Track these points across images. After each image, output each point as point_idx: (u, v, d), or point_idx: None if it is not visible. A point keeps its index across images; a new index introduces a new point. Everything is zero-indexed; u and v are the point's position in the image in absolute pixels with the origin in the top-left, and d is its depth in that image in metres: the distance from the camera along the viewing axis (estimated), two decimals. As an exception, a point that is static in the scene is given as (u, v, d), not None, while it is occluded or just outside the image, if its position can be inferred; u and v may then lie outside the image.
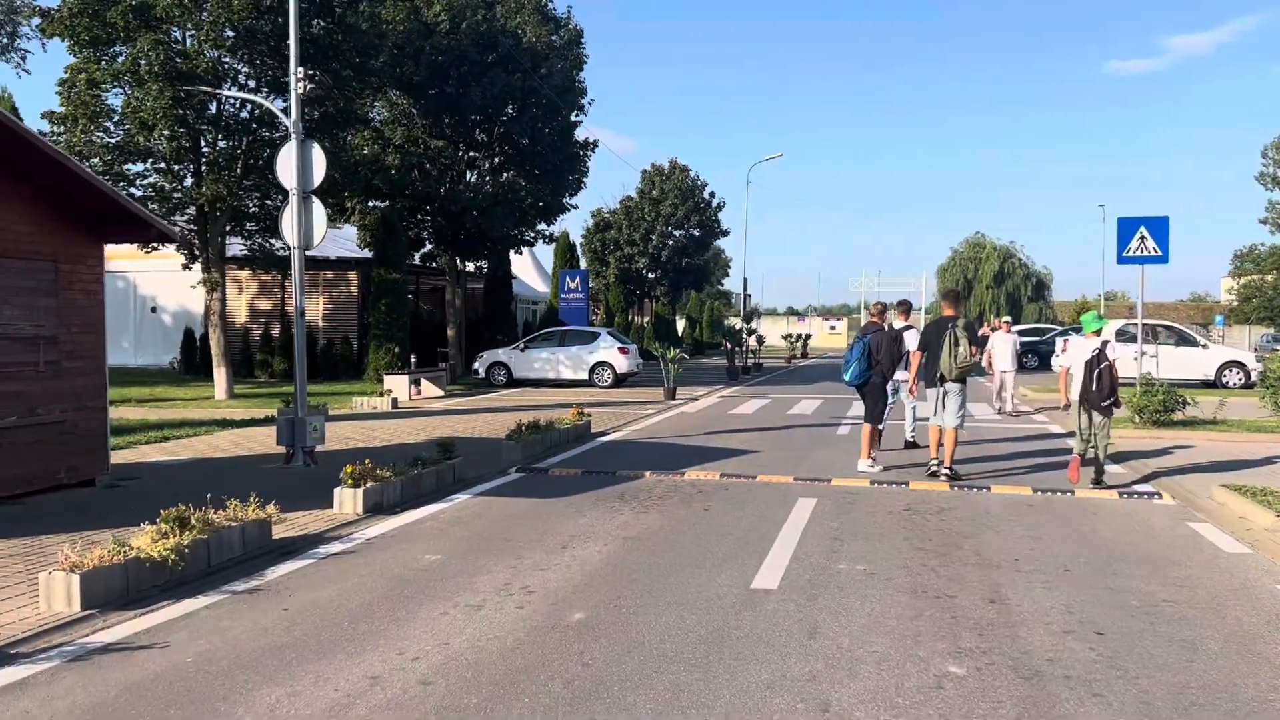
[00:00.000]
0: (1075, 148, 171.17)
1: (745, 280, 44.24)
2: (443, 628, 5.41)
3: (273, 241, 22.62)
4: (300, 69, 11.17)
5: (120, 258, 26.50)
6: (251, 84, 20.71)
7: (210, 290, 20.91)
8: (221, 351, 21.03)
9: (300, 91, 11.16)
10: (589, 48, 30.10)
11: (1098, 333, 10.15)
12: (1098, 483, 9.85)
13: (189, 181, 20.31)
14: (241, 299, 29.41)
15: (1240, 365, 23.33)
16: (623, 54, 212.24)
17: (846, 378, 11.22)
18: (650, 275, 47.81)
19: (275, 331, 28.29)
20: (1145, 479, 10.51)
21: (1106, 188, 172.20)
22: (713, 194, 48.11)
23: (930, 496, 9.57)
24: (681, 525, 8.15)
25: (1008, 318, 21.87)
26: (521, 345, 25.86)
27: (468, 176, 27.74)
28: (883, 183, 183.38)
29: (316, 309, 28.92)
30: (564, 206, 28.98)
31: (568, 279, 37.20)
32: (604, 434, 15.04)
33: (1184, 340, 24.08)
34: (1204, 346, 24.10)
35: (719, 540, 7.59)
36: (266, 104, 13.96)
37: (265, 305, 29.39)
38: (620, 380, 25.18)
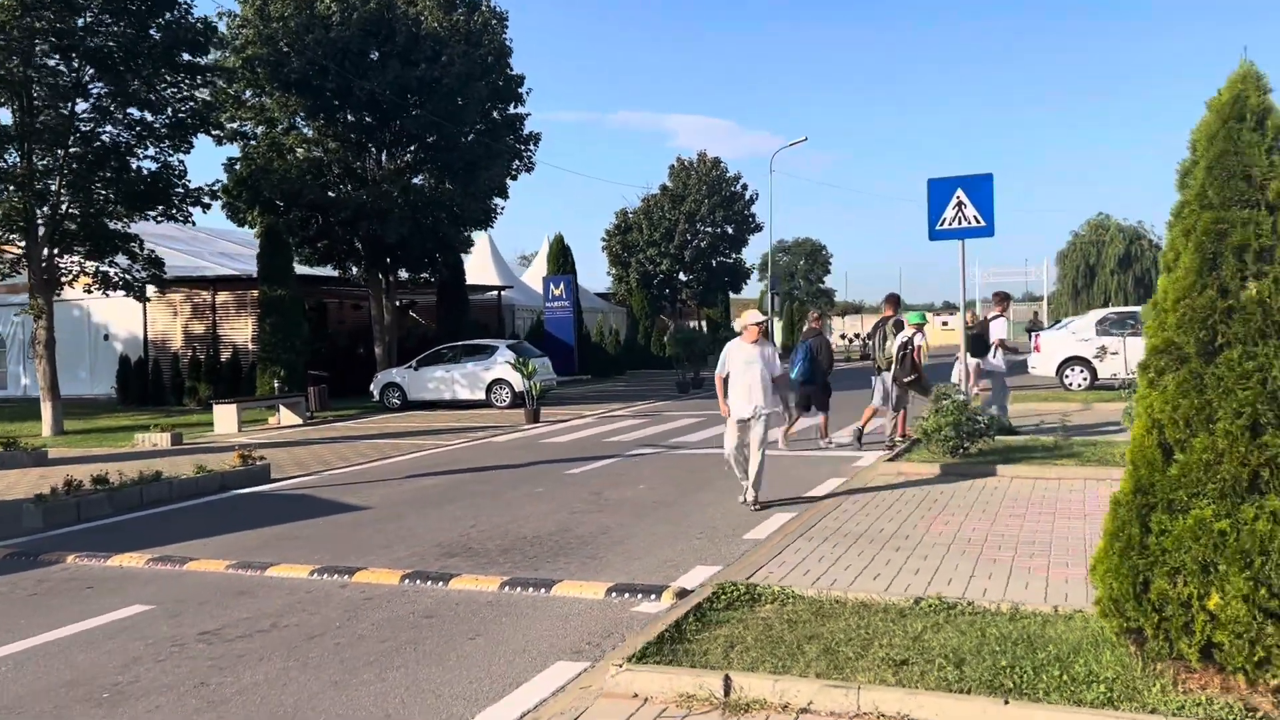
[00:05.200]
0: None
1: (769, 278, 40.71)
2: None
3: (119, 262, 21.08)
4: None
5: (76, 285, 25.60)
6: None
7: (36, 318, 19.51)
8: (48, 385, 19.54)
9: None
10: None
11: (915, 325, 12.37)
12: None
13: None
14: (177, 323, 28.27)
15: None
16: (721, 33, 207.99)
17: (794, 374, 12.61)
18: (682, 277, 44.57)
19: (203, 357, 26.99)
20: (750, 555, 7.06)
21: None
22: (745, 186, 44.48)
23: (318, 599, 6.48)
24: None
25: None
26: (414, 364, 23.35)
27: (378, 181, 25.53)
28: (1002, 166, 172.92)
29: (246, 330, 27.47)
30: (485, 209, 26.32)
31: (551, 286, 34.57)
32: (290, 478, 12.41)
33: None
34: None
35: None
36: None
37: (199, 329, 28.13)
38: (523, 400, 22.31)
